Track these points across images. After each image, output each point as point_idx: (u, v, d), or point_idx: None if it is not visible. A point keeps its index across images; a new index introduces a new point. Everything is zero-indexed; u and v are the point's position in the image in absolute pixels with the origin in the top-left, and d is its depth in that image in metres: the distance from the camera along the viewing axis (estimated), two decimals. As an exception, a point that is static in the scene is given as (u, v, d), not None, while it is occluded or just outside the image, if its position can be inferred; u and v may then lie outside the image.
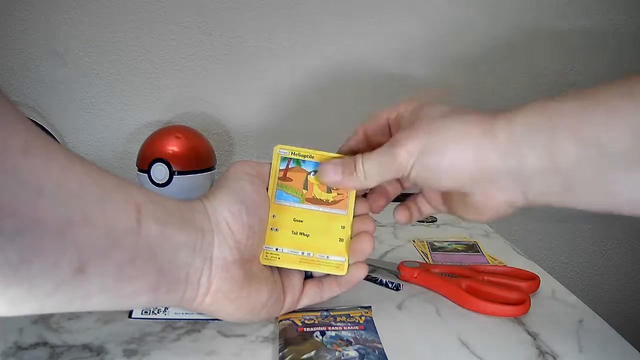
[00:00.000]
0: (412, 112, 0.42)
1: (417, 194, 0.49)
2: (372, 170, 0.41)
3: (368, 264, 0.61)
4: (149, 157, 0.79)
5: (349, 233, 0.46)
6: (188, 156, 0.79)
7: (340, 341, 0.43)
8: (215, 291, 0.38)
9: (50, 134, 0.90)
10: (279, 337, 0.44)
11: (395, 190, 0.49)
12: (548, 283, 0.58)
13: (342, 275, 0.46)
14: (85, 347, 0.44)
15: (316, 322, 0.46)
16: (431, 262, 0.64)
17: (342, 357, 0.40)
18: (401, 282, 0.57)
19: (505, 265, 0.63)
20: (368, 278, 0.59)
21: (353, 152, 0.45)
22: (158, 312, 0.49)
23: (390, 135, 0.43)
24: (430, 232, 0.78)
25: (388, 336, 0.46)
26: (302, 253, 0.45)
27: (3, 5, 0.88)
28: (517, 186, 0.36)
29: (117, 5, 0.90)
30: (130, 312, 0.49)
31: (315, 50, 0.94)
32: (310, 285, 0.47)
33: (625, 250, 1.11)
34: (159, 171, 0.78)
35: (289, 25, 0.93)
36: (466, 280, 0.54)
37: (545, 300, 0.55)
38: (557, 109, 0.34)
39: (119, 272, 0.32)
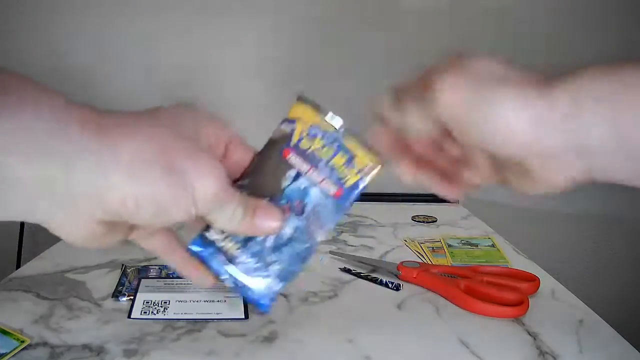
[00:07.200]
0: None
1: (460, 163, 0.38)
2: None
3: (368, 264, 0.61)
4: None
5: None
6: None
7: (297, 204, 0.34)
8: (65, 235, 0.31)
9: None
10: (269, 141, 0.36)
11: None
12: (548, 283, 0.58)
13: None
14: (85, 347, 0.44)
15: (310, 149, 0.35)
16: (431, 262, 0.64)
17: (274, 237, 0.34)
18: (401, 282, 0.57)
19: (505, 266, 0.63)
20: (368, 278, 0.59)
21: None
22: (158, 313, 0.49)
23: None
24: (430, 231, 0.78)
25: (388, 336, 0.46)
26: None
27: (3, 6, 0.88)
28: (581, 163, 0.31)
29: (118, 5, 0.89)
30: (130, 312, 0.49)
31: (316, 51, 0.94)
32: (161, 235, 0.37)
33: (625, 250, 1.11)
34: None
35: (289, 26, 0.93)
36: (465, 280, 0.54)
37: (545, 300, 0.54)
38: (621, 78, 0.30)
39: None
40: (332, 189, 0.35)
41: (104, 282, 0.56)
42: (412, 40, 0.94)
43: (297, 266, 0.35)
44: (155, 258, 0.61)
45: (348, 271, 0.60)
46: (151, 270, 0.58)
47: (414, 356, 0.44)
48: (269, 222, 0.33)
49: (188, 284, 0.54)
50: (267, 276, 0.35)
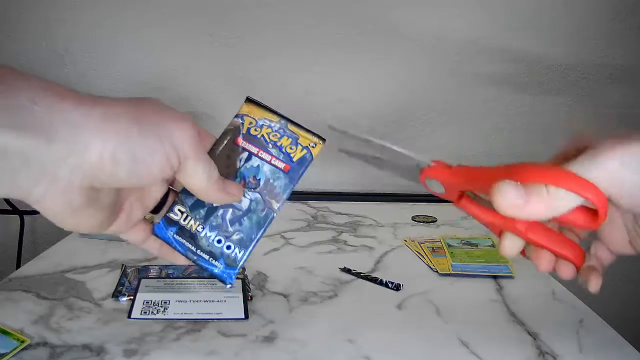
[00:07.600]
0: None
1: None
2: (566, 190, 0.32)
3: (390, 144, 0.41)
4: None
5: None
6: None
7: (252, 180, 0.39)
8: (46, 208, 0.32)
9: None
10: (223, 132, 0.40)
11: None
12: (548, 283, 0.58)
13: None
14: (85, 347, 0.44)
15: (259, 135, 0.40)
16: (431, 262, 0.64)
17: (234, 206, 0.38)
18: (401, 283, 0.57)
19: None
20: (368, 278, 0.59)
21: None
22: (158, 313, 0.49)
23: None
24: (430, 231, 0.78)
25: (388, 336, 0.46)
26: None
27: (3, 6, 0.89)
28: None
29: (117, 5, 0.90)
30: (130, 312, 0.49)
31: (315, 53, 0.94)
32: (141, 227, 0.39)
33: (625, 250, 1.11)
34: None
35: (290, 27, 0.93)
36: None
37: (545, 300, 0.55)
38: None
39: None
40: (281, 165, 0.39)
41: (104, 282, 0.56)
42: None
43: (257, 234, 0.39)
44: (156, 258, 0.61)
45: (348, 271, 0.61)
46: (151, 270, 0.58)
47: (414, 356, 0.44)
48: (233, 189, 0.37)
49: (188, 284, 0.54)
50: (229, 247, 0.39)
